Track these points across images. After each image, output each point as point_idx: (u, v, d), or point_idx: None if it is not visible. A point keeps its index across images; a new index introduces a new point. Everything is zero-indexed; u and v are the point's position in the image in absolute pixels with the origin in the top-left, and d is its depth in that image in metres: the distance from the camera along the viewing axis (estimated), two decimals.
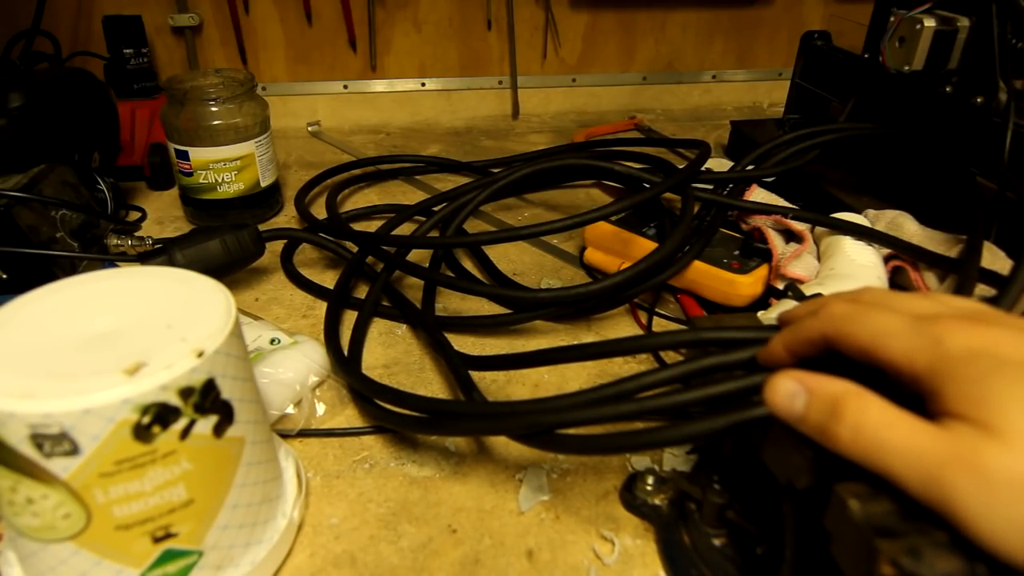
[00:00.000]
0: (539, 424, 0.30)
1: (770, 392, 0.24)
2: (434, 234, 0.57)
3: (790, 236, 0.52)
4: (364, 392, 0.39)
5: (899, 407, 0.21)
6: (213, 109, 0.58)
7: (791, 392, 0.24)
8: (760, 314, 0.42)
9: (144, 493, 0.25)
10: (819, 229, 0.51)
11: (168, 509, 0.26)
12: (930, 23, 0.54)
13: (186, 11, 0.84)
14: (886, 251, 0.48)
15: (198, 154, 0.59)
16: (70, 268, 0.51)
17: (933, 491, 0.19)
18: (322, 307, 0.51)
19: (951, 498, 0.19)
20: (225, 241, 0.50)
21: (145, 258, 0.48)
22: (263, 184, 0.63)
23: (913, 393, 0.22)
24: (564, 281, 0.55)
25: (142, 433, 0.24)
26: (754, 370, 0.28)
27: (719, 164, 0.72)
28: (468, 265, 0.56)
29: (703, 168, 0.54)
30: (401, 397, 0.37)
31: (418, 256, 0.57)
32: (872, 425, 0.21)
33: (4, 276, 0.47)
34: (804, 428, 0.23)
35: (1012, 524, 0.18)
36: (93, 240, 0.54)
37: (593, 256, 0.55)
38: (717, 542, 0.30)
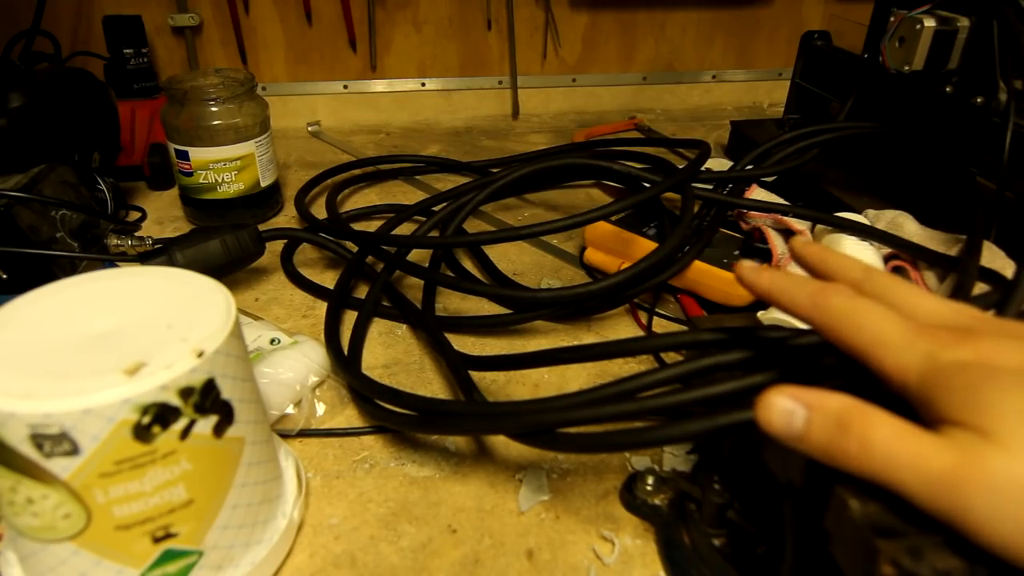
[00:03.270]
0: (539, 423, 0.30)
1: (764, 410, 0.23)
2: (434, 234, 0.57)
3: (790, 236, 0.52)
4: (364, 392, 0.39)
5: (902, 418, 0.21)
6: (213, 109, 0.58)
7: (787, 410, 0.23)
8: (760, 314, 0.42)
9: (144, 493, 0.25)
10: (819, 229, 0.51)
11: (168, 509, 0.26)
12: (930, 23, 0.54)
13: (186, 11, 0.84)
14: (886, 251, 0.48)
15: (198, 154, 0.59)
16: (70, 268, 0.51)
17: (943, 501, 0.19)
18: (322, 307, 0.51)
19: (960, 506, 0.19)
20: (225, 241, 0.50)
21: (145, 258, 0.48)
22: (263, 184, 0.63)
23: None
24: (564, 281, 0.55)
25: (142, 433, 0.24)
26: (754, 370, 0.28)
27: (719, 164, 0.72)
28: (468, 265, 0.56)
29: (703, 168, 0.54)
30: (401, 397, 0.37)
31: (418, 256, 0.57)
32: (880, 439, 0.20)
33: (4, 276, 0.47)
34: (805, 446, 0.22)
35: (1019, 528, 0.18)
36: (93, 240, 0.54)
37: (593, 256, 0.55)
38: (717, 542, 0.30)
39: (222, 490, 0.27)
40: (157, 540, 0.26)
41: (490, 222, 0.65)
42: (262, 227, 0.53)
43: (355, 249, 0.54)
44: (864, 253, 0.47)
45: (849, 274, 0.27)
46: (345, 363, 0.41)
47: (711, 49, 1.00)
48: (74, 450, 0.23)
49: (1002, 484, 0.18)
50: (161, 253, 0.48)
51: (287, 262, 0.56)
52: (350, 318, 0.49)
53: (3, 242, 0.46)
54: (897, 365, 0.22)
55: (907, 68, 0.56)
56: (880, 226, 0.50)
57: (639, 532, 0.33)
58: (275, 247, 0.58)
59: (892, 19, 0.58)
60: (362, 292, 0.52)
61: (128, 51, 0.74)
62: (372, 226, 0.62)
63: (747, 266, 0.28)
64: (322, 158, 0.81)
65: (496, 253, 0.58)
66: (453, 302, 0.52)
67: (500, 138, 0.89)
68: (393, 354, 0.46)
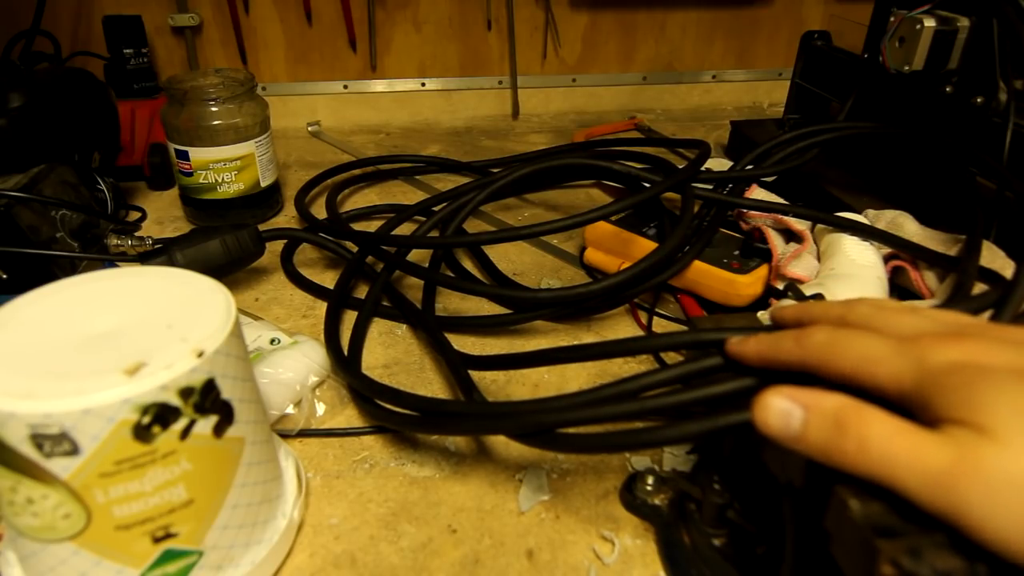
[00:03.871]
0: (540, 424, 0.30)
1: (761, 411, 0.23)
2: (434, 234, 0.57)
3: (790, 236, 0.52)
4: (364, 392, 0.39)
5: (899, 417, 0.21)
6: (213, 109, 0.58)
7: (785, 411, 0.23)
8: (760, 314, 0.42)
9: (144, 493, 0.25)
10: (819, 229, 0.51)
11: (168, 509, 0.26)
12: (930, 23, 0.54)
13: (186, 11, 0.84)
14: (886, 251, 0.48)
15: (198, 154, 0.59)
16: (70, 268, 0.51)
17: (941, 498, 0.19)
18: (322, 307, 0.51)
19: (957, 503, 0.19)
20: (225, 241, 0.50)
21: (145, 258, 0.48)
22: (263, 184, 0.63)
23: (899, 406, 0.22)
24: (564, 281, 0.55)
25: (142, 433, 0.24)
26: (752, 370, 0.28)
27: (719, 164, 0.72)
28: (468, 265, 0.56)
29: (703, 168, 0.54)
30: (401, 397, 0.37)
31: (418, 256, 0.57)
32: (877, 437, 0.20)
33: (4, 276, 0.47)
34: (802, 447, 0.22)
35: (1016, 523, 0.18)
36: (93, 240, 0.54)
37: (593, 256, 0.55)
38: (717, 542, 0.30)
39: (222, 490, 0.27)
40: (157, 540, 0.26)
41: (490, 222, 0.65)
42: (262, 227, 0.53)
43: (355, 249, 0.54)
44: (864, 253, 0.47)
45: (831, 313, 0.27)
46: (345, 363, 0.41)
47: (711, 49, 1.00)
48: (74, 450, 0.23)
49: (999, 480, 0.18)
50: (161, 253, 0.48)
51: (287, 262, 0.56)
52: (350, 318, 0.49)
53: (3, 242, 0.46)
54: (890, 374, 0.22)
55: (907, 68, 0.56)
56: (880, 226, 0.50)
57: (639, 532, 0.33)
58: (275, 247, 0.57)
59: (892, 19, 0.58)
60: (362, 292, 0.52)
61: (128, 51, 0.74)
62: (372, 226, 0.62)
63: (733, 342, 0.28)
64: (322, 158, 0.81)
65: (496, 253, 0.58)
66: (453, 302, 0.52)
67: (500, 138, 0.89)
68: (393, 354, 0.46)
